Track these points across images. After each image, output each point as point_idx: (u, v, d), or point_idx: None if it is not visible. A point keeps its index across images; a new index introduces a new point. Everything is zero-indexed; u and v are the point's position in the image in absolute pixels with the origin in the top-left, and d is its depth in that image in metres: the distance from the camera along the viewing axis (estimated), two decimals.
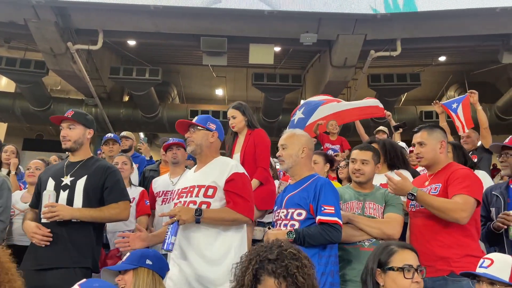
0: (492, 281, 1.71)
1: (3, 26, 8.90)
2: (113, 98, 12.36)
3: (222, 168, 2.38)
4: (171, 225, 2.18)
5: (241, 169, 2.43)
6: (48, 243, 2.38)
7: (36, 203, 2.61)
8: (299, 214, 2.34)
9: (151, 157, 5.10)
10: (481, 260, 1.80)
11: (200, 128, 2.47)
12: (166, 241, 2.15)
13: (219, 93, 14.53)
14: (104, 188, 2.59)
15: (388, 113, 5.84)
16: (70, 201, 2.50)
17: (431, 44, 9.58)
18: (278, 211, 2.47)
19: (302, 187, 2.41)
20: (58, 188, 2.54)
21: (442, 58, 11.61)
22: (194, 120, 2.53)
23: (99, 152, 5.11)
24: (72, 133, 2.61)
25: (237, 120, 3.53)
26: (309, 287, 1.47)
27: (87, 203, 2.52)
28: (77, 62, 9.27)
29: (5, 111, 11.44)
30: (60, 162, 2.88)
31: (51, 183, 2.56)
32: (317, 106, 5.74)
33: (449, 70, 12.40)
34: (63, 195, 2.52)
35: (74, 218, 2.43)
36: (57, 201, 2.49)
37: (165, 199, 3.54)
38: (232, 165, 2.41)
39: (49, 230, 2.40)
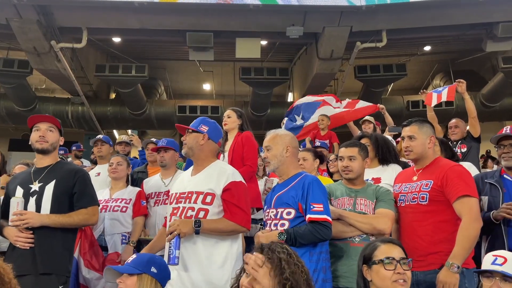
0: (505, 277, 1.75)
1: None
2: (100, 96, 12.22)
3: (219, 176, 2.39)
4: (173, 240, 2.21)
5: (238, 177, 2.45)
6: (32, 245, 2.37)
7: (4, 212, 2.56)
8: (288, 213, 2.37)
9: (142, 148, 5.08)
10: (492, 258, 1.83)
11: (191, 131, 2.49)
12: (171, 255, 2.18)
13: (207, 88, 14.46)
14: (73, 192, 2.57)
15: (382, 106, 5.89)
16: (38, 207, 2.48)
17: (416, 34, 9.65)
18: (268, 210, 2.50)
19: (290, 186, 2.44)
20: (27, 195, 2.51)
21: (427, 48, 11.71)
22: (192, 123, 2.56)
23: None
24: (51, 136, 2.60)
25: (230, 120, 3.64)
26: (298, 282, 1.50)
27: (56, 208, 2.50)
28: (61, 61, 9.14)
29: None
30: (26, 170, 2.81)
31: (19, 191, 2.53)
32: (315, 109, 5.98)
33: (434, 59, 12.52)
34: (32, 201, 2.49)
35: (43, 224, 2.41)
36: (25, 208, 2.47)
37: (157, 201, 3.54)
38: (229, 173, 2.43)
39: (31, 232, 2.39)
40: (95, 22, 8.82)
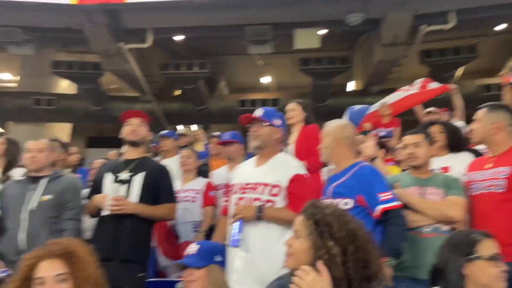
0: None
1: (60, 32, 9.43)
2: (165, 93, 12.75)
3: (285, 168, 2.42)
4: (236, 223, 2.29)
5: (303, 170, 2.48)
6: (124, 210, 2.53)
7: (91, 195, 2.76)
8: (346, 204, 2.34)
9: (208, 142, 5.28)
10: None
11: (266, 123, 2.49)
12: (233, 238, 2.26)
13: (267, 81, 14.55)
14: (159, 187, 2.72)
15: (454, 85, 5.50)
16: (127, 195, 2.64)
17: (488, 13, 8.99)
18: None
19: (346, 176, 2.42)
20: (116, 181, 2.70)
21: (502, 27, 10.87)
22: (260, 113, 2.52)
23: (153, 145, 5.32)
24: (141, 130, 2.79)
25: (295, 113, 3.62)
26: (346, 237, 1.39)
27: (142, 199, 2.65)
28: (129, 61, 9.67)
29: (68, 112, 12.16)
30: (116, 159, 3.05)
31: (109, 178, 2.72)
32: None
33: (511, 38, 11.59)
34: (121, 189, 2.67)
35: (134, 213, 2.57)
36: (117, 193, 2.65)
37: (226, 192, 3.67)
38: (294, 165, 2.46)
39: (122, 195, 2.58)
40: (159, 23, 9.20)
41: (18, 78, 13.47)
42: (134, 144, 2.80)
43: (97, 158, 6.02)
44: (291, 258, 1.47)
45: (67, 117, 12.58)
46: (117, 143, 6.05)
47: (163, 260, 3.44)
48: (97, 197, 2.66)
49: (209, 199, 3.72)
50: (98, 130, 16.62)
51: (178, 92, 13.51)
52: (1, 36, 8.88)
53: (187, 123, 13.78)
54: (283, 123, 2.58)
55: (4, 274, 2.51)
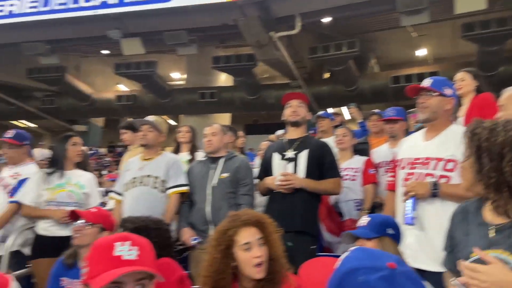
0: None
1: (218, 30, 10.32)
2: (314, 77, 12.89)
3: (459, 141, 2.24)
4: (409, 200, 2.20)
5: None
6: (293, 185, 2.69)
7: (262, 176, 2.95)
8: None
9: (363, 120, 5.18)
10: None
11: (435, 93, 2.31)
12: (407, 216, 2.18)
13: (422, 54, 13.48)
14: (323, 163, 2.79)
15: None
16: (294, 172, 2.77)
17: None
18: None
19: None
20: (283, 160, 2.84)
21: None
22: (428, 83, 2.35)
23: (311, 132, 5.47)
24: (301, 111, 2.90)
25: (465, 83, 3.28)
26: None
27: (308, 174, 2.75)
28: (279, 49, 10.04)
29: (227, 103, 13.29)
30: (278, 141, 3.23)
31: (276, 157, 2.89)
32: None
33: None
34: (289, 166, 2.81)
35: (302, 187, 2.69)
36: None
37: (387, 170, 3.56)
38: None
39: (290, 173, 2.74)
40: (306, 7, 9.31)
41: (185, 76, 15.27)
42: (295, 124, 2.93)
43: (254, 145, 6.49)
44: None
45: (227, 108, 13.75)
46: (271, 129, 6.43)
47: (327, 236, 3.52)
48: (267, 179, 2.87)
49: (369, 177, 3.65)
50: (253, 118, 17.77)
51: (327, 75, 13.51)
52: (170, 40, 10.14)
53: (337, 105, 13.71)
54: (454, 92, 2.36)
55: (195, 242, 2.91)
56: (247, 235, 1.71)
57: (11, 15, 10.40)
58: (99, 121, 16.70)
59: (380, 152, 3.79)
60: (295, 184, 2.69)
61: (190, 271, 2.77)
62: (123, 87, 16.70)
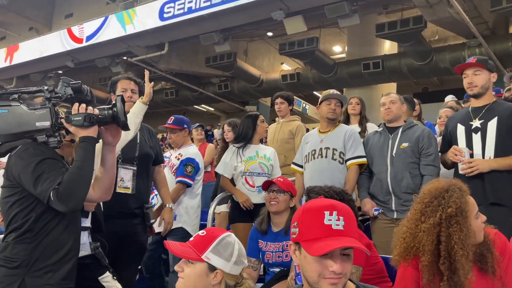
0: None
1: None
2: (497, 32, 11.20)
3: None
4: None
5: None
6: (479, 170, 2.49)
7: (446, 149, 2.74)
8: None
9: None
10: None
11: None
12: None
13: None
14: None
15: None
16: (483, 144, 2.54)
17: None
18: None
19: None
20: (468, 131, 2.61)
21: None
22: None
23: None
24: (479, 80, 2.61)
25: None
26: None
27: (498, 146, 2.49)
28: (453, 6, 8.98)
29: (393, 72, 12.61)
30: (463, 109, 2.93)
31: (460, 128, 2.67)
32: None
33: None
34: (476, 138, 2.57)
35: (492, 169, 2.46)
36: (470, 144, 2.58)
37: None
38: None
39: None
40: None
41: (346, 49, 15.03)
42: (475, 97, 2.65)
43: (425, 114, 5.98)
44: None
45: (393, 77, 13.07)
46: (444, 96, 5.82)
47: None
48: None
49: None
50: (422, 85, 16.50)
51: None
52: (331, 13, 10.05)
53: None
54: None
55: (377, 212, 2.91)
56: (475, 203, 1.67)
57: (190, 11, 11.75)
58: (267, 101, 17.78)
59: None
60: (481, 168, 2.47)
61: (373, 240, 2.80)
62: (287, 67, 17.37)
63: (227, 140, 4.26)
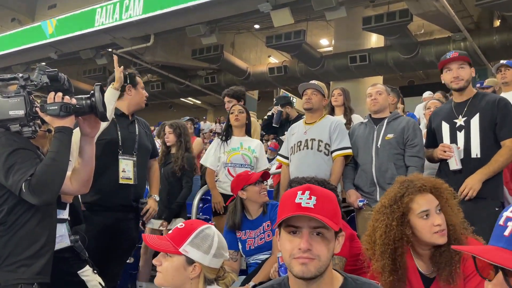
0: None
1: None
2: (482, 26, 11.32)
3: None
4: None
5: None
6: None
7: (430, 145, 2.76)
8: None
9: None
10: None
11: None
12: None
13: None
14: (496, 123, 2.48)
15: None
16: (467, 142, 2.54)
17: None
18: None
19: None
20: (453, 130, 2.62)
21: None
22: None
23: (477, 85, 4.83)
24: (463, 73, 2.60)
25: None
26: None
27: (483, 142, 2.50)
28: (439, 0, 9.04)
29: (379, 65, 12.65)
30: (445, 104, 2.93)
31: (445, 126, 2.67)
32: None
33: None
34: (460, 136, 2.57)
35: (481, 181, 2.46)
36: (455, 141, 2.58)
37: None
38: None
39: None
40: None
41: (333, 42, 15.03)
42: (459, 90, 2.64)
43: (411, 108, 6.02)
44: None
45: (379, 70, 13.12)
46: (430, 90, 5.85)
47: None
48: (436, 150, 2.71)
49: None
50: (408, 79, 16.62)
51: (497, 23, 11.72)
52: (318, 5, 10.01)
53: (510, 57, 11.85)
54: None
55: (362, 203, 2.91)
56: (425, 202, 1.64)
57: (175, 1, 11.57)
58: (254, 94, 17.72)
59: None
60: (475, 188, 2.45)
61: (358, 232, 2.79)
62: (274, 60, 17.31)
63: (167, 144, 3.94)
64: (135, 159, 2.75)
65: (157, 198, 2.98)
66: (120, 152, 2.68)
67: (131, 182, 2.71)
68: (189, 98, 20.04)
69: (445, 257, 1.59)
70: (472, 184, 2.46)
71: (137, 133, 2.81)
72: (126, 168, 2.69)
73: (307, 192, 1.17)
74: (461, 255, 1.58)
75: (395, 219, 1.65)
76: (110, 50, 13.86)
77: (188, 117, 5.74)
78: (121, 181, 2.65)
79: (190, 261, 1.46)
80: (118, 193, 2.63)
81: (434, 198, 1.65)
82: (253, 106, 17.67)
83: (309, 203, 1.14)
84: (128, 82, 2.74)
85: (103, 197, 2.59)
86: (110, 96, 2.51)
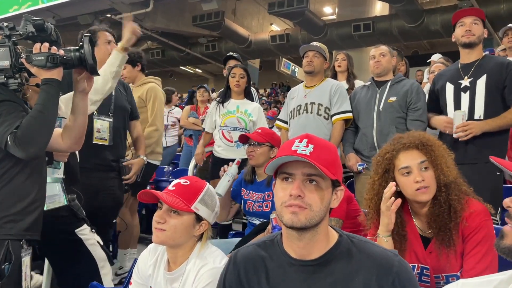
0: None
1: None
2: None
3: None
4: None
5: None
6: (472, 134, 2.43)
7: (433, 108, 2.70)
8: None
9: None
10: None
11: None
12: None
13: None
14: (504, 86, 2.41)
15: None
16: (472, 103, 2.47)
17: None
18: None
19: None
20: (457, 91, 2.54)
21: None
22: None
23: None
24: (476, 29, 2.51)
25: None
26: None
27: (488, 104, 2.43)
28: None
29: (383, 34, 12.37)
30: (451, 65, 2.85)
31: (449, 87, 2.59)
32: None
33: None
34: (464, 97, 2.50)
35: (483, 131, 2.39)
36: (459, 104, 2.51)
37: None
38: None
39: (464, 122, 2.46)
40: None
41: (336, 10, 14.67)
42: (469, 45, 2.55)
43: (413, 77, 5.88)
44: None
45: (383, 39, 12.80)
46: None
47: None
48: (438, 120, 2.64)
49: None
50: (413, 49, 16.33)
51: None
52: None
53: None
54: None
55: (361, 167, 2.86)
56: (407, 159, 1.58)
57: None
58: (256, 62, 17.47)
59: None
60: (474, 133, 2.39)
61: (356, 196, 2.76)
62: (276, 27, 16.96)
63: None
64: (111, 120, 2.70)
65: (145, 158, 2.95)
66: (95, 112, 2.60)
67: (106, 143, 2.67)
68: (190, 67, 19.80)
69: (440, 222, 1.54)
70: (472, 128, 2.41)
71: (113, 93, 2.72)
72: (101, 128, 2.65)
73: (304, 140, 1.12)
74: (458, 221, 1.53)
75: (380, 175, 1.64)
76: (108, 15, 13.55)
77: (200, 85, 5.71)
78: (95, 141, 2.61)
79: (199, 219, 1.46)
80: (94, 153, 2.59)
81: (421, 155, 1.58)
82: (254, 74, 17.48)
83: (305, 151, 1.09)
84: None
85: (80, 158, 2.54)
86: (113, 59, 2.38)
